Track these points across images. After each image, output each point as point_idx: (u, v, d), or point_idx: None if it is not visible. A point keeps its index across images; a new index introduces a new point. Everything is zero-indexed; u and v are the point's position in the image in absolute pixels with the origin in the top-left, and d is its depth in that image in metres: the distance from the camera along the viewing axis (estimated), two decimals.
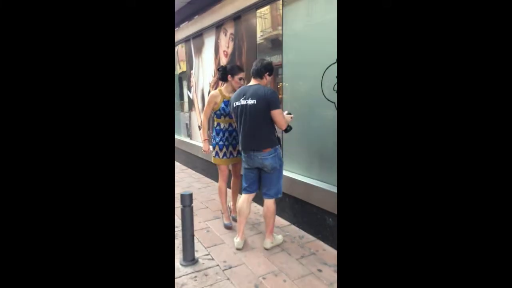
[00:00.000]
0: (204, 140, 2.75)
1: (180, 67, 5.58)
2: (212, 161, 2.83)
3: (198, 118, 4.98)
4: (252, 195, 2.42)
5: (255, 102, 2.17)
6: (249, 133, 2.24)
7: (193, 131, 5.23)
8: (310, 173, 2.72)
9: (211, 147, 2.81)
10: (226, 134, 2.72)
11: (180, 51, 5.45)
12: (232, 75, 2.62)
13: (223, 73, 2.70)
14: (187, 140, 5.31)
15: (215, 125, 2.76)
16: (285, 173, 2.60)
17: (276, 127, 2.25)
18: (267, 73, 2.29)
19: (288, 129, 2.31)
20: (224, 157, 2.74)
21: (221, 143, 2.71)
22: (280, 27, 2.92)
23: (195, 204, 3.49)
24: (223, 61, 4.00)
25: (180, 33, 5.09)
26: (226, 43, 3.90)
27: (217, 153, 2.74)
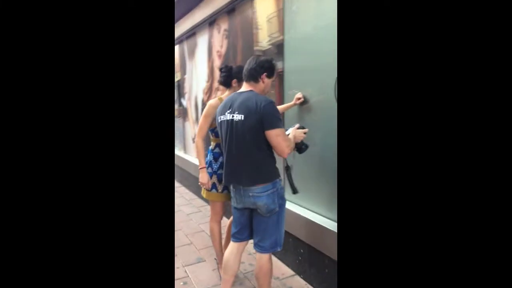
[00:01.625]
0: (200, 168, 1.98)
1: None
2: (204, 196, 2.09)
3: (191, 129, 4.35)
4: (243, 245, 1.73)
5: (242, 118, 1.52)
6: (236, 161, 1.58)
7: (187, 143, 4.60)
8: (320, 208, 2.03)
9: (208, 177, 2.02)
10: None
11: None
12: (239, 81, 1.93)
13: (227, 76, 1.99)
14: (181, 154, 4.68)
15: (213, 147, 2.05)
16: (287, 204, 1.88)
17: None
18: (265, 73, 1.61)
19: (303, 148, 1.67)
20: (225, 191, 2.00)
21: (220, 171, 1.96)
22: (282, 23, 2.26)
23: (177, 237, 2.83)
24: (217, 63, 3.37)
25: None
26: (219, 42, 3.26)
27: (214, 186, 2.00)
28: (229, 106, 1.59)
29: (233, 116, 1.55)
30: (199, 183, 2.04)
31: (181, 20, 4.08)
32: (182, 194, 4.21)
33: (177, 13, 3.95)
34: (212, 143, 2.08)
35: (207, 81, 3.67)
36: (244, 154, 1.54)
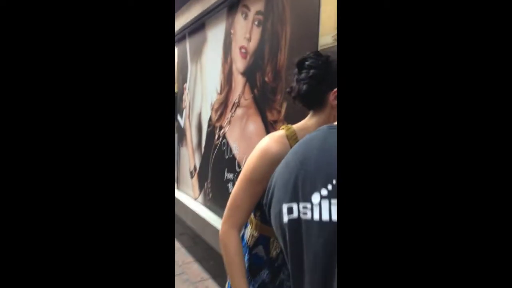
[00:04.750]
0: None
1: None
2: None
3: (190, 159, 3.10)
4: None
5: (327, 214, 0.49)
6: None
7: (181, 176, 3.35)
8: None
9: None
10: (283, 272, 0.87)
11: None
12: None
13: (320, 79, 0.78)
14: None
15: (251, 242, 0.89)
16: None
17: None
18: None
19: None
20: None
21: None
22: None
23: None
24: (239, 65, 2.18)
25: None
26: (246, 33, 2.09)
27: None
28: (302, 174, 0.54)
29: (305, 209, 0.52)
30: None
31: (183, 8, 2.91)
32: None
33: (176, 1, 2.79)
34: (250, 229, 0.89)
35: (220, 93, 2.47)
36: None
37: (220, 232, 0.82)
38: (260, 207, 0.83)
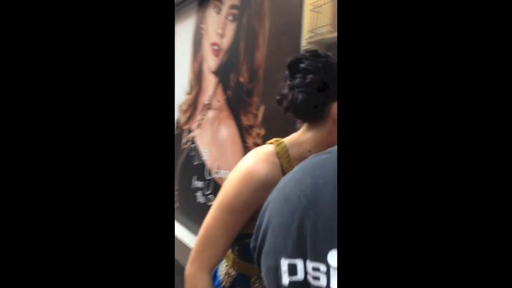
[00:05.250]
0: None
1: None
2: None
3: None
4: None
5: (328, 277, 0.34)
6: None
7: None
8: None
9: None
10: None
11: None
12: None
13: (318, 88, 0.63)
14: None
15: (229, 285, 0.70)
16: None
17: None
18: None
19: None
20: None
21: None
22: None
23: None
24: (211, 63, 1.99)
25: None
26: (218, 28, 1.90)
27: None
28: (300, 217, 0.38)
29: (316, 272, 0.36)
30: None
31: None
32: None
33: None
34: (225, 265, 0.73)
35: (189, 93, 2.26)
36: None
37: (186, 272, 0.64)
38: (240, 240, 0.66)
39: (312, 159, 0.43)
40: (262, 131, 1.52)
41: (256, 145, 1.51)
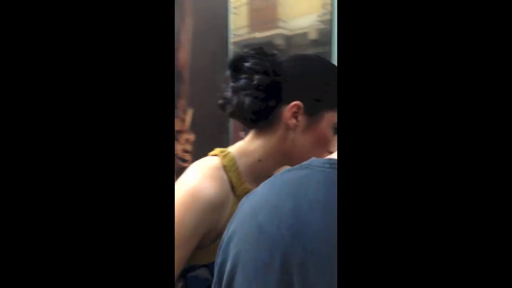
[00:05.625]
0: None
1: None
2: None
3: None
4: None
5: None
6: None
7: None
8: None
9: None
10: None
11: None
12: (316, 114, 0.57)
13: (267, 91, 0.55)
14: None
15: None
16: None
17: None
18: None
19: None
20: None
21: None
22: None
23: None
24: None
25: None
26: None
27: None
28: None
29: None
30: None
31: None
32: None
33: None
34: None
35: None
36: None
37: None
38: (183, 274, 0.54)
39: (285, 176, 0.34)
40: (191, 137, 1.40)
41: (186, 152, 1.38)
